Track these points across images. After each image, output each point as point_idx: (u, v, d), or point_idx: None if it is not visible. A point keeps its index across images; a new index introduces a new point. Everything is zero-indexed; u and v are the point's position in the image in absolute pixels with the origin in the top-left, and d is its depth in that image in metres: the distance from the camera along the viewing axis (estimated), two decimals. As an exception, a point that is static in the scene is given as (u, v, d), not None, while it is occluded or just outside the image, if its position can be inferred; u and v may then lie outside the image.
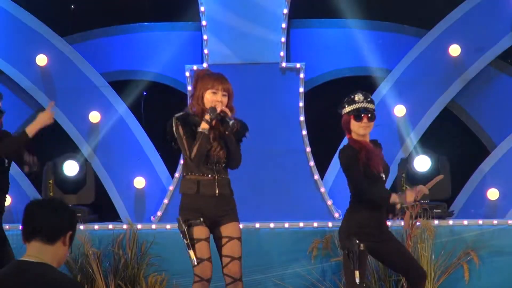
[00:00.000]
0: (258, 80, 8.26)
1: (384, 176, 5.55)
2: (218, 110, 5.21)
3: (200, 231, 5.26)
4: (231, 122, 5.19)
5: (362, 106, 5.50)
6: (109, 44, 8.77)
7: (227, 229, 5.32)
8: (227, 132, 5.25)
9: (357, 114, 5.49)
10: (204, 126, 5.20)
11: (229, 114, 5.25)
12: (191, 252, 5.21)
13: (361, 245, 5.39)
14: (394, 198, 5.38)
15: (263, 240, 7.27)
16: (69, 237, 3.33)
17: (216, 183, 5.30)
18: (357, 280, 5.33)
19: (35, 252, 3.28)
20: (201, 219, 5.26)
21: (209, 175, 5.30)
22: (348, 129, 5.55)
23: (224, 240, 5.30)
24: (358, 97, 5.55)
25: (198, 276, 5.24)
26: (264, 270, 7.18)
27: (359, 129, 5.50)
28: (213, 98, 5.26)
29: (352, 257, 5.33)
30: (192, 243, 5.22)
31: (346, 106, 5.53)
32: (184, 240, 5.22)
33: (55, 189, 8.06)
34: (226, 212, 5.34)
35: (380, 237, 5.47)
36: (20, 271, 3.23)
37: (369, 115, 5.49)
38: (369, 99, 5.57)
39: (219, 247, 5.36)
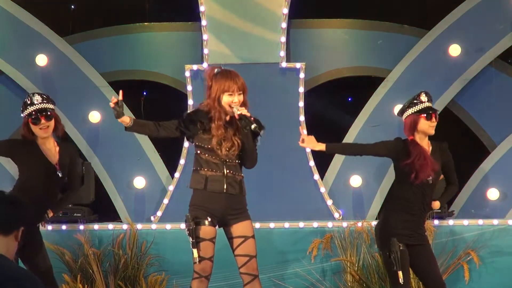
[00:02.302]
0: (258, 80, 8.25)
1: (431, 179, 5.52)
2: (238, 112, 5.23)
3: (205, 231, 5.26)
4: (253, 126, 5.20)
5: (430, 105, 5.56)
6: (109, 44, 8.77)
7: (239, 229, 5.33)
8: (245, 130, 5.25)
9: (428, 113, 5.52)
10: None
11: (248, 114, 5.26)
12: (195, 251, 5.24)
13: (401, 245, 5.42)
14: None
15: (263, 240, 7.27)
16: (21, 232, 3.33)
17: (225, 180, 5.30)
18: (401, 281, 5.35)
19: None
20: (209, 218, 5.27)
21: (218, 171, 5.31)
22: (414, 129, 5.56)
23: (239, 240, 5.31)
24: (423, 97, 5.59)
25: (197, 273, 5.29)
26: (264, 270, 7.18)
27: (429, 129, 5.54)
28: (231, 100, 5.29)
29: (394, 258, 5.36)
30: (197, 241, 5.23)
31: (413, 106, 5.56)
32: (190, 238, 5.24)
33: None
34: (237, 211, 5.34)
35: (415, 240, 5.48)
36: None
37: (436, 114, 5.56)
38: (431, 99, 5.64)
39: (234, 247, 5.37)
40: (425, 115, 5.54)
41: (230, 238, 5.39)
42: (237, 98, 5.29)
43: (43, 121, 5.97)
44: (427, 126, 5.55)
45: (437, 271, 5.58)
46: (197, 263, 5.25)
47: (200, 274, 5.27)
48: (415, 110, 5.56)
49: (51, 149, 6.04)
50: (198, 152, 5.35)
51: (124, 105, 5.51)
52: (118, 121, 5.34)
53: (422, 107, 5.57)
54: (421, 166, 5.45)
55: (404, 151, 5.53)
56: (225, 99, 5.30)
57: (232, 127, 5.33)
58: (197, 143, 5.36)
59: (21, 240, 3.35)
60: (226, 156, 5.29)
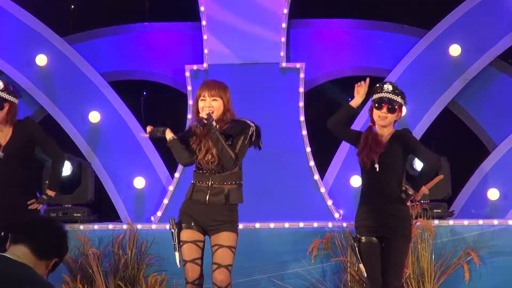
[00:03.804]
0: (258, 80, 8.26)
1: (377, 167, 5.45)
2: (203, 115, 5.19)
3: (187, 234, 5.23)
4: (201, 120, 5.16)
5: (388, 96, 5.48)
6: (109, 44, 8.77)
7: (217, 238, 5.25)
8: (212, 131, 5.18)
9: (378, 103, 5.48)
10: (168, 136, 5.30)
11: (205, 116, 5.18)
12: (176, 254, 5.22)
13: (362, 237, 5.41)
14: None
15: (263, 240, 7.27)
16: (53, 263, 3.39)
17: (209, 191, 5.27)
18: (364, 274, 5.36)
19: (20, 254, 3.31)
20: (192, 223, 5.25)
21: (204, 183, 5.29)
22: (371, 117, 5.56)
23: (214, 248, 5.24)
24: (385, 86, 5.54)
25: (185, 279, 5.25)
26: (264, 270, 7.18)
27: (378, 119, 5.50)
28: (203, 105, 5.27)
29: (353, 250, 5.37)
30: (179, 245, 5.23)
31: (373, 93, 5.53)
32: (172, 241, 5.24)
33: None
34: (217, 222, 5.23)
35: (378, 232, 5.44)
36: (3, 266, 3.23)
37: (390, 105, 5.47)
38: (396, 92, 5.54)
39: (212, 256, 5.31)
40: (376, 104, 5.52)
41: (211, 247, 5.33)
42: (209, 103, 5.24)
43: (4, 107, 6.06)
44: (376, 116, 5.51)
45: (391, 269, 5.39)
46: (179, 266, 5.23)
47: (186, 280, 5.22)
48: (372, 98, 5.55)
49: (3, 134, 6.10)
50: (195, 165, 5.37)
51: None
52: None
53: (377, 96, 5.53)
54: (362, 148, 5.45)
55: (360, 137, 5.54)
56: (199, 105, 5.29)
57: (201, 136, 5.29)
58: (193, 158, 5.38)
59: (51, 272, 3.39)
60: (206, 165, 5.25)
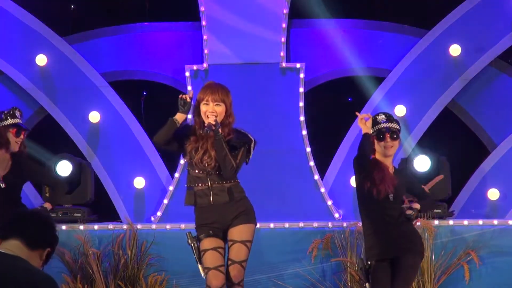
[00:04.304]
0: (258, 80, 8.26)
1: (392, 197, 5.52)
2: (211, 120, 5.20)
3: (208, 242, 5.23)
4: (210, 126, 5.17)
5: (387, 126, 5.54)
6: (109, 44, 8.77)
7: (232, 233, 5.27)
8: (217, 138, 5.19)
9: (379, 135, 5.53)
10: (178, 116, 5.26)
11: (213, 123, 5.21)
12: (200, 267, 5.21)
13: (369, 262, 5.46)
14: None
15: (263, 240, 7.27)
16: (47, 254, 3.40)
17: (211, 192, 5.27)
18: None
19: (13, 247, 3.32)
20: (210, 232, 5.25)
21: (202, 184, 5.28)
22: (373, 149, 5.60)
23: (229, 244, 5.26)
24: (380, 118, 5.60)
25: (207, 286, 5.22)
26: (264, 270, 7.18)
27: (383, 150, 5.57)
28: (206, 109, 5.27)
29: (361, 274, 5.44)
30: (199, 256, 5.22)
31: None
32: (194, 255, 5.23)
33: (51, 189, 8.02)
34: (232, 218, 5.25)
35: (390, 253, 5.48)
36: None
37: (390, 133, 5.55)
38: (391, 119, 5.62)
39: (228, 251, 5.32)
40: (377, 137, 5.57)
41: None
42: (213, 108, 5.25)
43: (22, 136, 6.14)
44: (381, 147, 5.57)
45: (396, 284, 5.46)
46: (204, 277, 5.21)
47: (209, 286, 5.17)
48: (371, 132, 5.60)
49: (3, 161, 6.08)
50: (188, 168, 5.35)
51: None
52: (177, 116, 5.28)
53: (375, 129, 5.59)
54: (380, 179, 5.48)
55: (365, 168, 5.56)
56: (203, 108, 5.29)
57: (205, 140, 5.29)
58: (186, 159, 5.36)
59: (45, 263, 3.41)
60: (203, 166, 5.25)
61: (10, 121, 6.10)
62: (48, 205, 6.31)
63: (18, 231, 3.36)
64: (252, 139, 5.32)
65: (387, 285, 5.47)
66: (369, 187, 5.49)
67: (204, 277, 5.20)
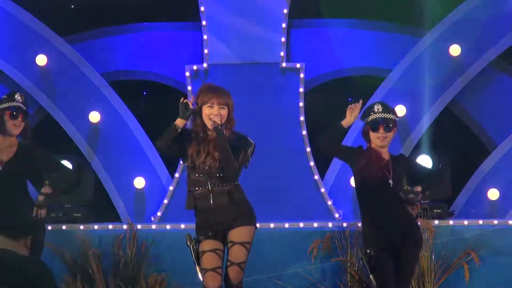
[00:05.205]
0: (258, 80, 8.26)
1: (391, 182, 5.52)
2: (216, 120, 5.21)
3: (206, 244, 5.25)
4: (217, 126, 5.18)
5: (383, 116, 5.54)
6: (109, 44, 8.77)
7: (231, 235, 5.28)
8: (220, 140, 5.19)
9: (373, 125, 5.53)
10: (178, 122, 5.24)
11: (219, 123, 5.22)
12: (197, 268, 5.22)
13: (368, 251, 5.46)
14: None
15: (263, 240, 7.27)
16: (31, 242, 3.45)
17: (211, 194, 5.28)
18: (374, 283, 5.39)
19: None
20: (210, 233, 5.26)
21: (202, 187, 5.28)
22: (367, 139, 5.64)
23: (229, 245, 5.27)
24: (376, 108, 5.60)
25: (203, 287, 5.22)
26: (264, 270, 7.17)
27: (377, 140, 5.57)
28: (210, 112, 5.27)
29: (363, 264, 5.44)
30: (197, 257, 5.22)
31: (365, 117, 5.62)
32: (192, 256, 5.24)
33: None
34: (232, 220, 5.26)
35: (391, 243, 5.47)
36: None
37: (385, 125, 5.53)
38: (388, 110, 5.62)
39: (228, 252, 5.34)
40: (372, 127, 5.57)
41: None
42: (218, 111, 5.26)
43: (20, 119, 5.98)
44: (374, 137, 5.57)
45: (403, 276, 5.50)
46: (201, 278, 5.22)
47: (206, 287, 5.19)
48: (366, 121, 5.60)
49: (8, 147, 6.02)
50: (188, 172, 5.35)
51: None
52: (177, 122, 5.26)
53: (370, 118, 5.60)
54: (366, 164, 5.50)
55: (359, 155, 5.57)
56: (205, 111, 5.29)
57: (213, 140, 5.30)
58: (185, 163, 5.36)
59: (30, 249, 3.42)
60: (205, 169, 5.25)
61: (5, 104, 6.01)
62: (47, 190, 6.01)
63: None
64: (252, 142, 5.34)
65: (391, 274, 5.47)
66: (357, 175, 5.55)
67: (201, 279, 5.21)
